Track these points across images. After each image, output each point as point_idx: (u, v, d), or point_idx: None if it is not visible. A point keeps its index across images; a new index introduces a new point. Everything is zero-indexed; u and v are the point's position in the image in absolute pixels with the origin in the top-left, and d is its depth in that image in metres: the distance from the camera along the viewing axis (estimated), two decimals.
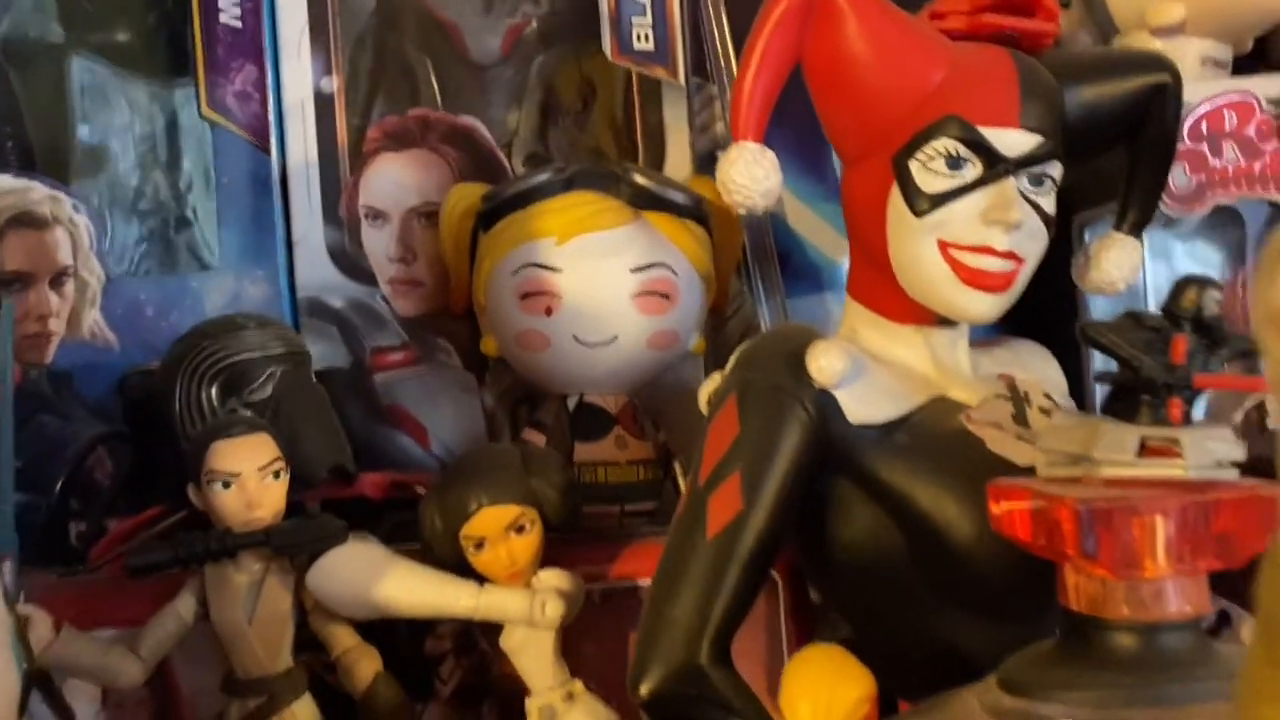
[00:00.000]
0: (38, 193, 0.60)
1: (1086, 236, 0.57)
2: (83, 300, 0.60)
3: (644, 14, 0.64)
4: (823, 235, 0.66)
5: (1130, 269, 0.50)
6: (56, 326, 0.60)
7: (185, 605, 0.45)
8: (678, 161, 0.64)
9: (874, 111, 0.46)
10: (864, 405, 0.45)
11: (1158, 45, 0.55)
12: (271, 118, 0.61)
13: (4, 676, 0.33)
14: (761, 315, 0.64)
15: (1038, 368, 0.51)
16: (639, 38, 0.64)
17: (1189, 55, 0.56)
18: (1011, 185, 0.44)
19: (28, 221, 0.60)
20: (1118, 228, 0.50)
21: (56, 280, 0.60)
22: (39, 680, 0.41)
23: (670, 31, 0.64)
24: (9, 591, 0.39)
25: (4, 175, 0.60)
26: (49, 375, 0.59)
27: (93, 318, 0.60)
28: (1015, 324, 0.54)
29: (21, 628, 0.39)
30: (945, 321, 0.47)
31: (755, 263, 0.64)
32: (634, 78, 0.64)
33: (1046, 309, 0.52)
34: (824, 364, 0.44)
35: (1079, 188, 0.51)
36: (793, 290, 0.65)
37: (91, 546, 0.53)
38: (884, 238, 0.46)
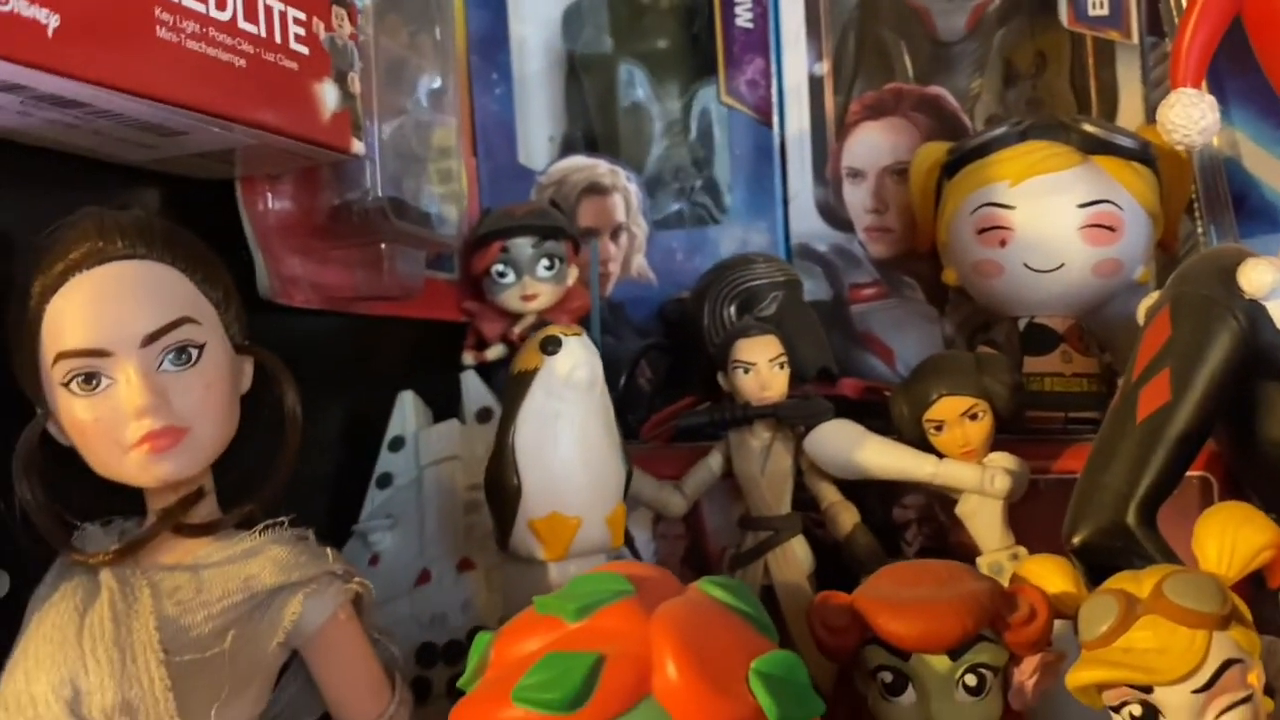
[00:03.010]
0: (601, 168, 0.80)
1: None
2: (632, 248, 0.79)
3: None
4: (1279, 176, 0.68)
5: None
6: (614, 269, 0.79)
7: (715, 460, 0.61)
8: (1129, 116, 0.70)
9: None
10: None
11: None
12: (774, 100, 0.76)
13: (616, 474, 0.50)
14: None
15: None
16: (1094, 4, 0.71)
17: None
18: None
19: (595, 190, 0.80)
20: None
21: (614, 234, 0.79)
22: None
23: None
24: None
25: (578, 156, 0.81)
26: (609, 305, 0.79)
27: (638, 261, 0.79)
28: None
29: None
30: None
31: (1207, 205, 0.69)
32: (1089, 41, 0.71)
33: None
34: (1254, 276, 0.50)
35: None
36: (1249, 231, 0.69)
37: (641, 427, 0.71)
38: None
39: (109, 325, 0.37)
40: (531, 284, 0.70)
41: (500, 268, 0.70)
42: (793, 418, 0.58)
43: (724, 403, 0.60)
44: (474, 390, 0.66)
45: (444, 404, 0.67)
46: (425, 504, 0.61)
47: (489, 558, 0.59)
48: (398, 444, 0.64)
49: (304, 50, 0.46)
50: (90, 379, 0.37)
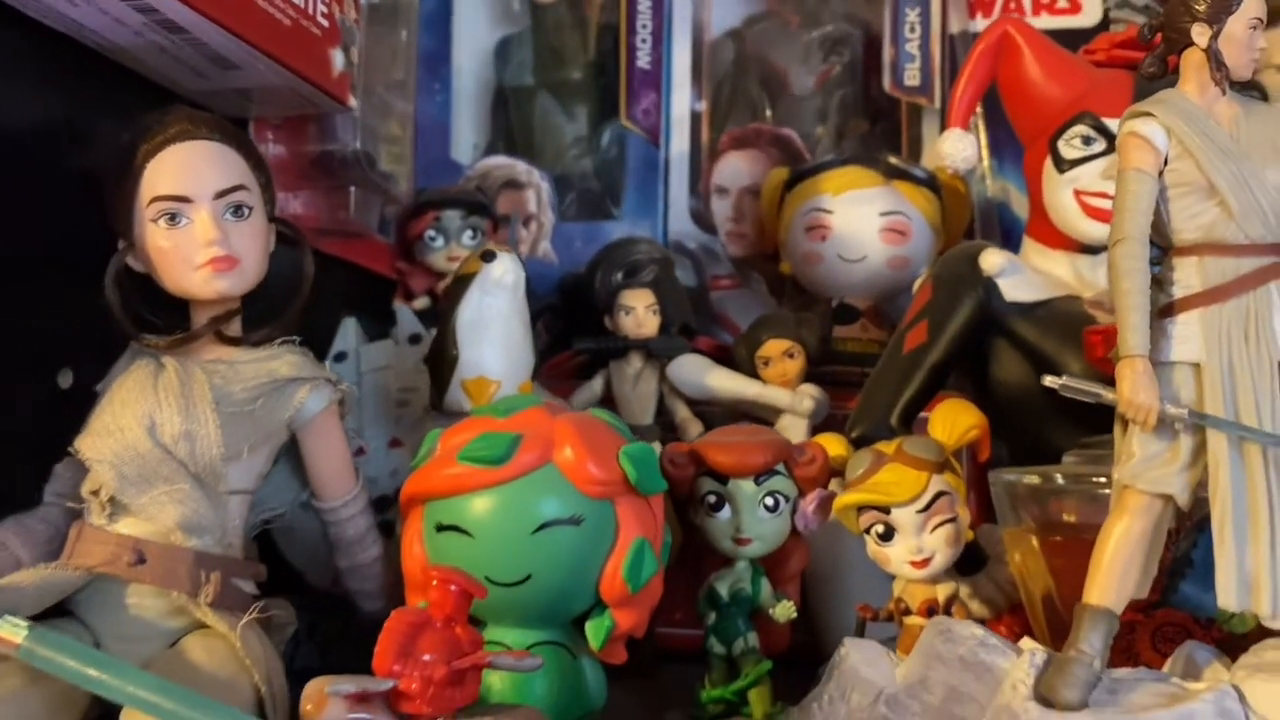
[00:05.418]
0: (520, 167, 0.98)
1: None
2: (540, 234, 0.97)
3: (914, 61, 0.93)
4: None
5: None
6: (523, 250, 0.97)
7: (598, 383, 0.78)
8: (930, 161, 0.92)
9: (1040, 111, 0.73)
10: (1017, 290, 0.71)
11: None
12: (662, 127, 0.96)
13: (528, 355, 0.67)
14: None
15: None
16: (909, 77, 0.93)
17: None
18: None
19: (513, 184, 0.98)
20: None
21: (526, 221, 0.97)
22: None
23: (931, 72, 0.93)
24: None
25: (502, 156, 0.98)
26: None
27: (544, 246, 0.97)
28: None
29: None
30: (1089, 250, 0.72)
31: (984, 234, 0.91)
32: (903, 104, 0.93)
33: None
34: (991, 260, 0.70)
35: None
36: None
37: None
38: (1041, 190, 0.73)
39: (192, 181, 0.52)
40: (457, 249, 0.86)
41: (432, 233, 0.86)
42: (659, 350, 0.77)
43: (610, 336, 0.78)
44: (406, 320, 0.82)
45: (376, 335, 0.83)
46: (364, 399, 0.77)
47: (414, 438, 0.74)
48: (341, 357, 0.80)
49: (325, 23, 0.63)
50: (174, 218, 0.52)
